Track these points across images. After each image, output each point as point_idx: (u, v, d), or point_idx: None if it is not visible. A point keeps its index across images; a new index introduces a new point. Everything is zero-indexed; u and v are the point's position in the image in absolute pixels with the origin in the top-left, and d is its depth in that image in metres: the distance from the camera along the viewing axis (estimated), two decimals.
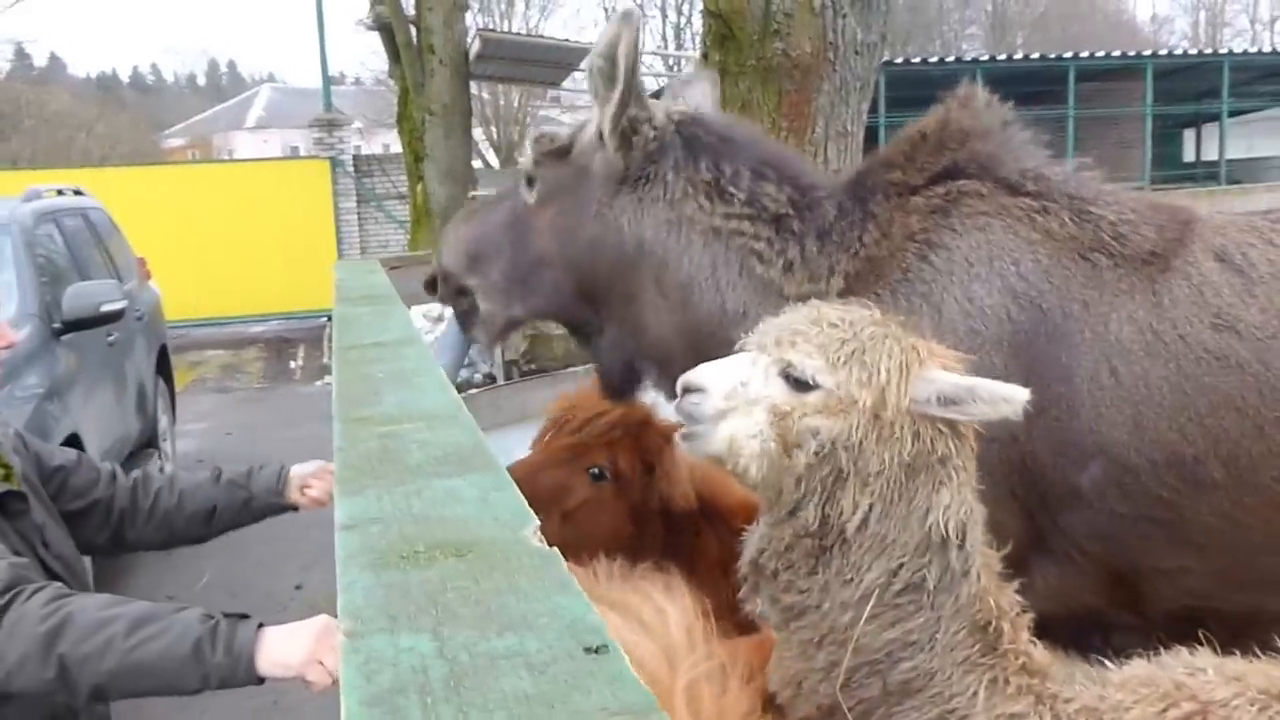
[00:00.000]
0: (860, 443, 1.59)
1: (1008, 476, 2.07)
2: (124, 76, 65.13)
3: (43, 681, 1.69)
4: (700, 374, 1.68)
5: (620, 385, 2.43)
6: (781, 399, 1.63)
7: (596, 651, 0.68)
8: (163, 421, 8.02)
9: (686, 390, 1.68)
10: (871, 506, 1.60)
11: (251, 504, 2.35)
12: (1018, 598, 1.72)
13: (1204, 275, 2.10)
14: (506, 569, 0.81)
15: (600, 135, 2.32)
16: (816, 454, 1.59)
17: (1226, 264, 2.11)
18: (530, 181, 2.42)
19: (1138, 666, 1.65)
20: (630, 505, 2.54)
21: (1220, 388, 2.01)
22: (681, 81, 2.64)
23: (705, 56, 4.04)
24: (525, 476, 2.50)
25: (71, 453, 2.36)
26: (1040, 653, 1.70)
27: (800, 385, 1.63)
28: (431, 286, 2.56)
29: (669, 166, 2.29)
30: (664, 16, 34.44)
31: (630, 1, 2.32)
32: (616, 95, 2.24)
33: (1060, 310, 2.09)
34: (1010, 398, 1.60)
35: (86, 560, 2.37)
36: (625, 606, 1.69)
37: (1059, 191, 2.20)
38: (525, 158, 2.46)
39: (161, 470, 6.79)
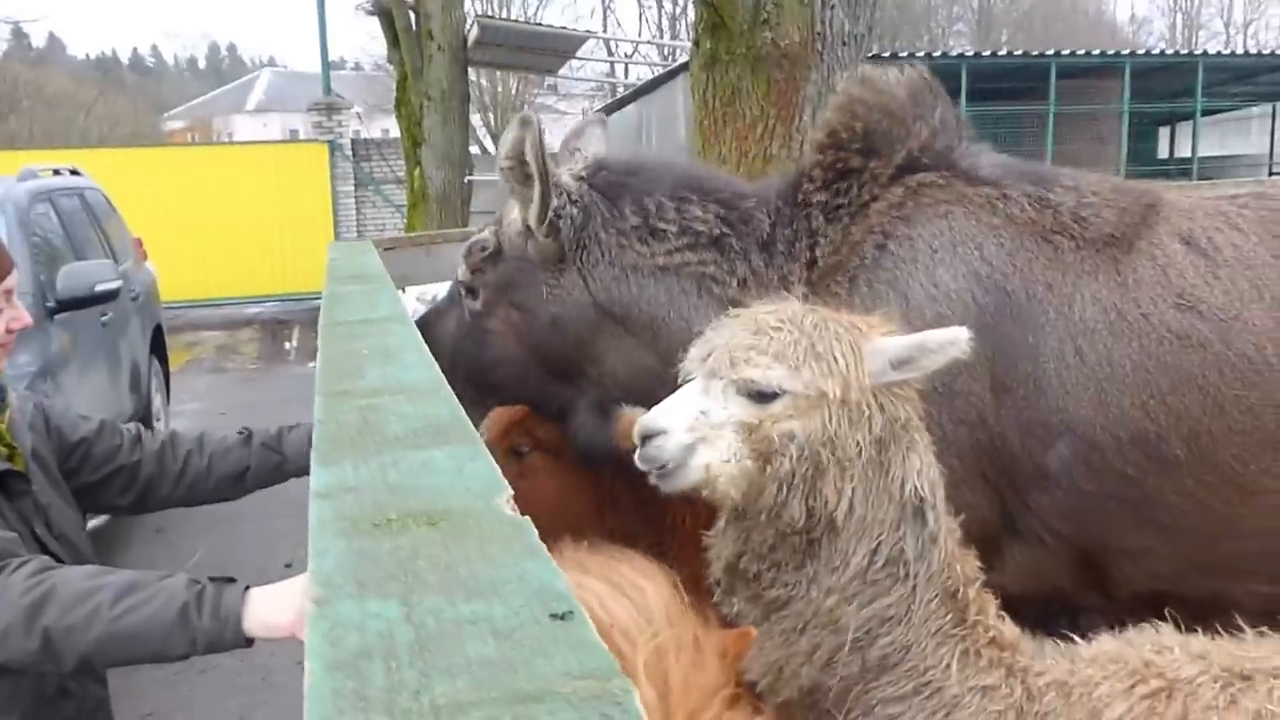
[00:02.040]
0: (835, 433, 1.62)
1: (978, 459, 2.11)
2: (124, 58, 64.74)
3: (27, 653, 1.69)
4: (656, 418, 1.67)
5: (601, 450, 2.43)
6: (747, 415, 1.63)
7: (562, 618, 0.68)
8: (156, 401, 8.01)
9: (646, 437, 1.66)
10: (854, 490, 1.63)
11: (284, 467, 2.35)
12: (977, 563, 1.76)
13: (1169, 257, 2.13)
14: (478, 536, 0.81)
15: (527, 228, 2.36)
16: (798, 456, 1.61)
17: (1192, 246, 2.15)
18: (472, 291, 2.45)
19: (1106, 643, 1.70)
20: (577, 472, 2.56)
21: (1182, 366, 2.05)
22: (574, 133, 2.65)
23: (697, 44, 4.07)
24: None
25: (94, 421, 2.35)
26: (1009, 627, 1.74)
27: (763, 397, 1.63)
28: None
29: (598, 226, 2.32)
30: (659, 6, 34.40)
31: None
32: (536, 194, 2.28)
33: (1025, 292, 2.12)
34: (955, 339, 1.65)
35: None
36: (608, 579, 1.70)
37: (1019, 177, 2.24)
38: (460, 271, 2.48)
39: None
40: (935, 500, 1.68)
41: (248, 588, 1.70)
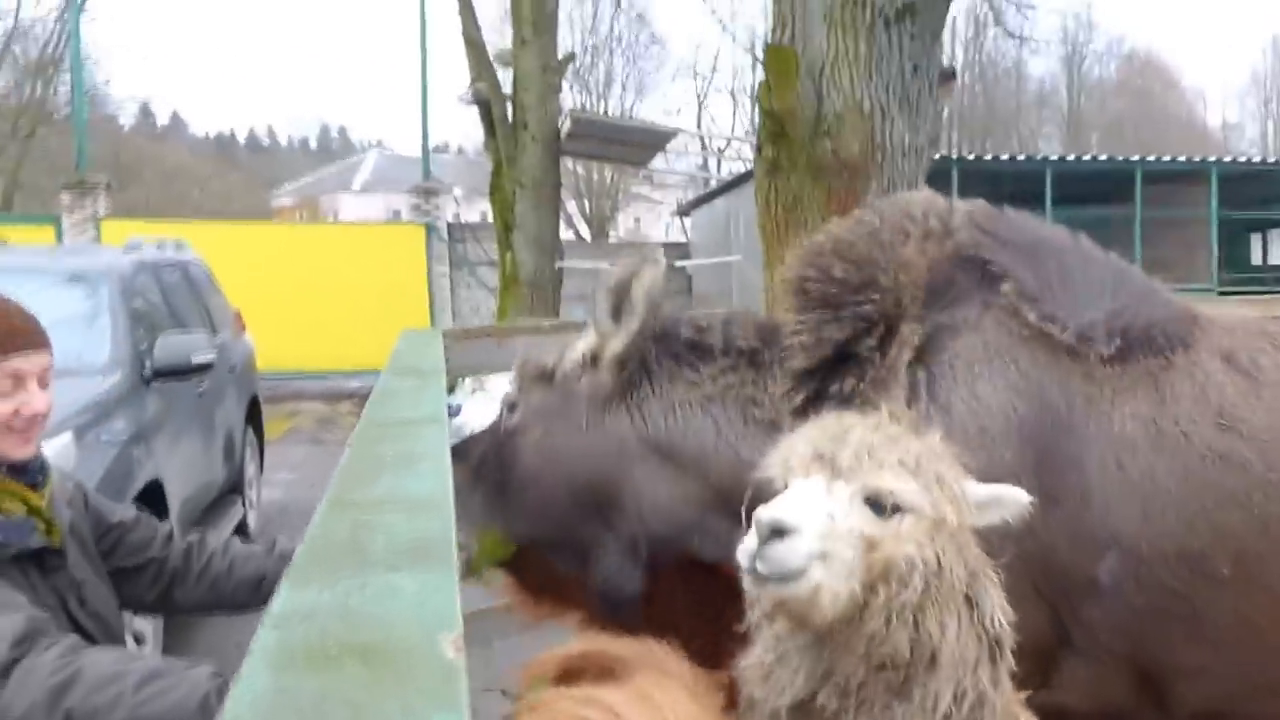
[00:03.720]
0: (944, 563, 1.53)
1: (1029, 571, 2.06)
2: (241, 137, 68.24)
3: None
4: (787, 511, 1.49)
5: (628, 593, 2.40)
6: (870, 529, 1.51)
7: None
8: (249, 470, 8.18)
9: (775, 532, 1.48)
10: (953, 625, 1.54)
11: None
12: (1028, 713, 1.68)
13: (1208, 375, 2.11)
14: (405, 679, 0.81)
15: (592, 360, 2.41)
16: (921, 586, 1.50)
17: (1233, 365, 2.11)
18: (513, 408, 2.49)
19: None
20: None
21: (1225, 485, 2.01)
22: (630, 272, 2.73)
23: (760, 150, 4.14)
24: None
25: (131, 510, 2.42)
26: None
27: (886, 511, 1.52)
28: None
29: (651, 360, 2.37)
30: (753, 104, 34.90)
31: (657, 251, 2.44)
32: (634, 328, 2.34)
33: (1064, 403, 2.10)
34: (1020, 500, 1.64)
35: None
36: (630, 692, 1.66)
37: (1048, 288, 2.22)
38: (510, 386, 2.53)
39: (235, 528, 6.94)
40: (1009, 639, 1.60)
41: None
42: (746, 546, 1.50)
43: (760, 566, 1.48)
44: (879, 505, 1.52)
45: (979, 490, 1.64)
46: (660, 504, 2.37)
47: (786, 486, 1.60)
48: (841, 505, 1.51)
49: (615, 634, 2.49)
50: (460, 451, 2.59)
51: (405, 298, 17.78)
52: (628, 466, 2.37)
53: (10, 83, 27.11)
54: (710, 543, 2.38)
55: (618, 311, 2.35)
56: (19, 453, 2.05)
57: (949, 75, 4.21)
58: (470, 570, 2.46)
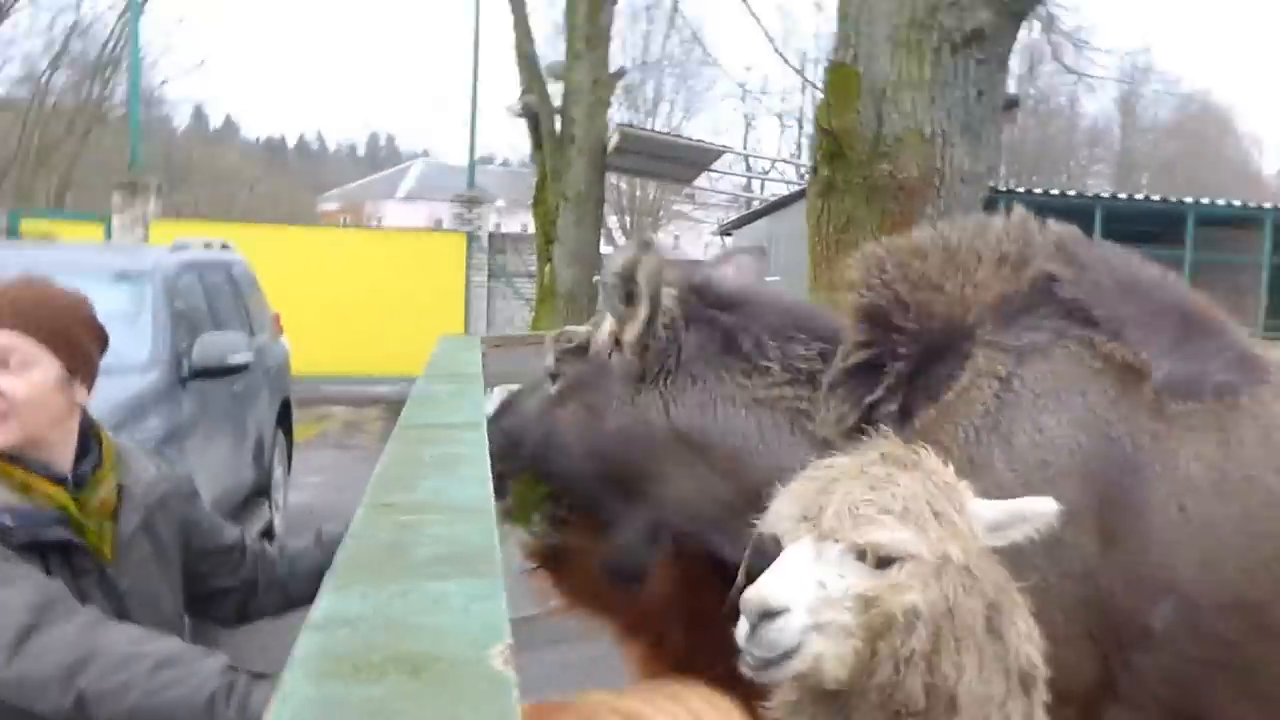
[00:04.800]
0: (956, 603, 1.47)
1: (1085, 616, 1.99)
2: (290, 142, 69.11)
3: (61, 709, 1.69)
4: (773, 592, 1.44)
5: (632, 572, 2.41)
6: (865, 586, 1.45)
7: None
8: (278, 473, 8.16)
9: (764, 615, 1.44)
10: (973, 663, 1.48)
11: None
12: None
13: (1273, 418, 2.02)
14: (454, 692, 0.77)
15: (616, 341, 2.38)
16: (926, 634, 1.44)
17: None
18: (553, 377, 2.50)
19: None
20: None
21: None
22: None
23: (815, 170, 4.09)
24: None
25: (236, 532, 2.33)
26: None
27: (884, 562, 1.47)
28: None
29: (692, 354, 2.32)
30: (800, 126, 34.87)
31: (652, 233, 2.47)
32: (642, 314, 2.30)
33: (1131, 441, 2.02)
34: (1046, 510, 1.58)
35: None
36: None
37: (1121, 322, 2.13)
38: (548, 356, 2.54)
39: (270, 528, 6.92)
40: (1042, 670, 1.54)
41: None
42: (740, 630, 1.48)
43: (756, 652, 1.46)
44: (874, 559, 1.48)
45: (994, 510, 1.57)
46: (686, 497, 2.33)
47: (779, 547, 1.56)
48: (831, 568, 1.47)
49: (618, 606, 2.50)
50: (507, 406, 2.68)
51: (441, 305, 17.88)
52: (656, 453, 2.33)
53: (68, 81, 27.62)
54: (733, 546, 2.30)
55: (630, 297, 2.32)
56: None
57: (1012, 103, 4.15)
58: (510, 518, 2.48)
